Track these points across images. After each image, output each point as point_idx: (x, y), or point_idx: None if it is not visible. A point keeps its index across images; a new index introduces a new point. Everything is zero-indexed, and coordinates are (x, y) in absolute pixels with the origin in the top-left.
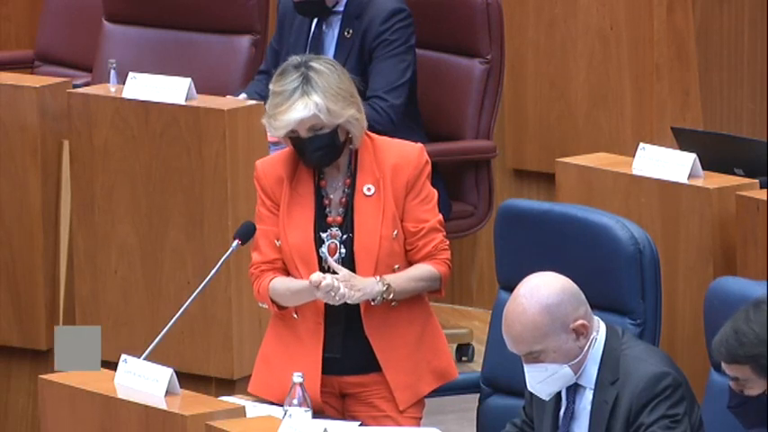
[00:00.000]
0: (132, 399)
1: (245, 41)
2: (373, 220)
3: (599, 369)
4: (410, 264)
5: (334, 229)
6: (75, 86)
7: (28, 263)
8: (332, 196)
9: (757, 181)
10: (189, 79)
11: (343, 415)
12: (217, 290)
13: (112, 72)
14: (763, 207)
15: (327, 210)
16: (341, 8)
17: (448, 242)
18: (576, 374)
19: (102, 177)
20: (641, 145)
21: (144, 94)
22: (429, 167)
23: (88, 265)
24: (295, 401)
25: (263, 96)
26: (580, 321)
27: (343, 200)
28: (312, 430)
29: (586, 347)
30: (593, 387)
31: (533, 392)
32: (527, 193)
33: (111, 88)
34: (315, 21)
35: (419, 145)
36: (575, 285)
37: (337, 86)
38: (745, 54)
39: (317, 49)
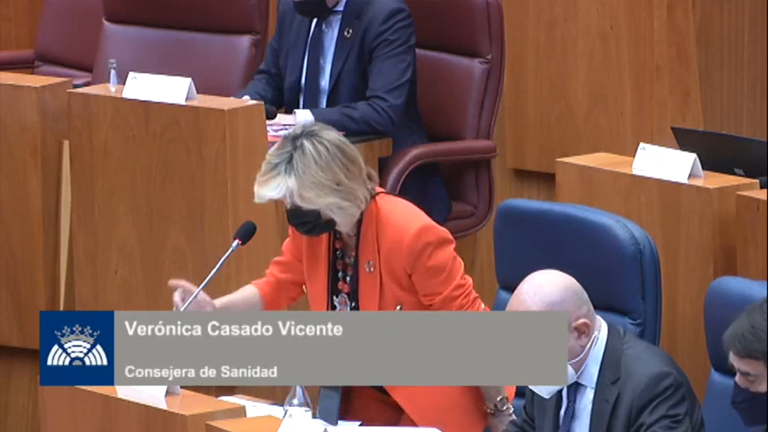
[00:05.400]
0: (132, 399)
1: (245, 41)
2: (372, 298)
3: (600, 368)
4: None
5: (342, 296)
6: (76, 86)
7: (28, 263)
8: (346, 260)
9: (757, 181)
10: (189, 79)
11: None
12: (217, 290)
13: (113, 72)
14: (763, 207)
15: (341, 273)
16: (341, 8)
17: (470, 301)
18: (576, 373)
19: (102, 177)
20: (641, 145)
21: (144, 94)
22: (431, 246)
23: (88, 265)
24: (295, 401)
25: (262, 96)
26: (582, 320)
27: (351, 270)
28: (312, 430)
29: (588, 346)
30: (594, 386)
31: (534, 391)
32: (527, 193)
33: (111, 88)
34: (315, 21)
35: (417, 227)
36: (577, 284)
37: (318, 173)
38: (745, 54)
39: (317, 48)
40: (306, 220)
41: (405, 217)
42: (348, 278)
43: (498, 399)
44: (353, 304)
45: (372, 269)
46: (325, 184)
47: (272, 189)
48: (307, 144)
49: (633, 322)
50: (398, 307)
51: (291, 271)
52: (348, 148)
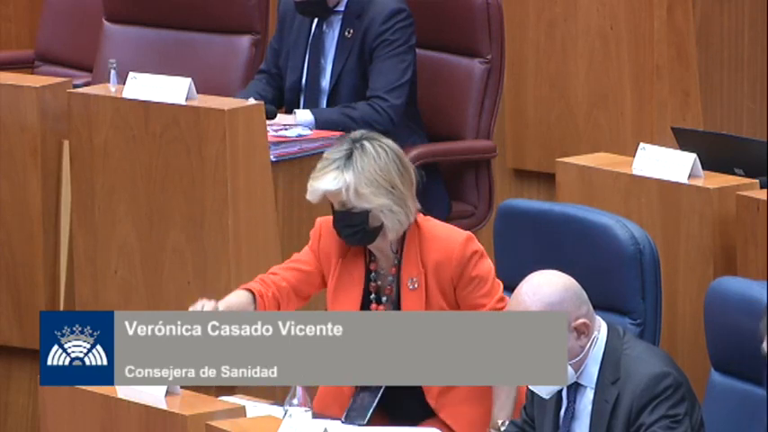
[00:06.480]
0: (132, 399)
1: (245, 41)
2: None
3: (600, 368)
4: None
5: None
6: (76, 86)
7: (28, 263)
8: (379, 282)
9: (757, 181)
10: (189, 79)
11: None
12: (217, 290)
13: (113, 72)
14: (763, 207)
15: (373, 296)
16: (342, 8)
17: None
18: (576, 373)
19: (102, 177)
20: (641, 145)
21: (144, 94)
22: (476, 255)
23: (88, 265)
24: (295, 401)
25: (263, 96)
26: (582, 320)
27: (389, 290)
28: (312, 430)
29: (587, 346)
30: (593, 386)
31: (534, 391)
32: (527, 193)
33: (111, 88)
34: (315, 21)
35: (464, 236)
36: (577, 284)
37: (376, 172)
38: (745, 54)
39: (318, 48)
40: (352, 223)
41: (449, 229)
42: (384, 298)
43: (506, 422)
44: None
45: (416, 285)
46: (381, 184)
47: (328, 182)
48: (367, 144)
49: (633, 322)
50: None
51: (309, 283)
52: (404, 156)
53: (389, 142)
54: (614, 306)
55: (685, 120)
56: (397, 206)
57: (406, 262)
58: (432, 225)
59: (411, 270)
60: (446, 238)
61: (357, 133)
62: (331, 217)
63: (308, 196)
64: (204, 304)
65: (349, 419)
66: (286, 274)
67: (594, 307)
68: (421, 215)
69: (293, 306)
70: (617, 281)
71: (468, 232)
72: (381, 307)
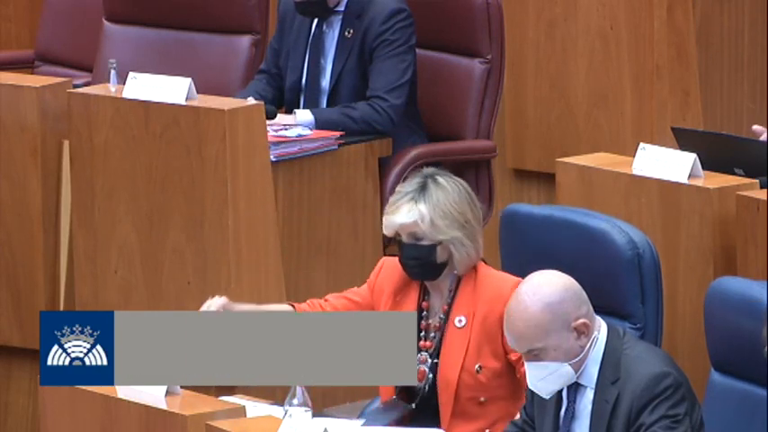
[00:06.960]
0: (132, 399)
1: (245, 41)
2: (458, 352)
3: (600, 368)
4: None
5: (423, 354)
6: (76, 86)
7: (28, 263)
8: (430, 321)
9: (757, 181)
10: (189, 79)
11: None
12: (217, 290)
13: (113, 72)
14: (763, 207)
15: (422, 333)
16: (342, 8)
17: None
18: (576, 373)
19: (102, 177)
20: (641, 145)
21: (144, 94)
22: None
23: (88, 265)
24: (295, 401)
25: (263, 96)
26: (582, 320)
27: (437, 325)
28: (312, 430)
29: (587, 346)
30: (593, 386)
31: (534, 390)
32: (527, 193)
33: (111, 88)
34: (315, 21)
35: (515, 281)
36: (577, 284)
37: (450, 204)
38: (745, 54)
39: (318, 48)
40: (419, 256)
41: (502, 274)
42: (432, 335)
43: None
44: (434, 362)
45: (463, 324)
46: (455, 217)
47: (403, 214)
48: (440, 178)
49: (633, 326)
50: (477, 366)
51: None
52: (473, 194)
53: (460, 179)
54: (614, 310)
55: (685, 120)
56: (468, 240)
57: (458, 302)
58: (487, 270)
59: (461, 309)
60: (499, 280)
61: (429, 169)
62: (395, 257)
63: (384, 230)
64: (210, 304)
65: (362, 416)
66: (335, 301)
67: (594, 311)
68: (482, 263)
69: None
70: (616, 285)
71: (519, 279)
72: (428, 343)
